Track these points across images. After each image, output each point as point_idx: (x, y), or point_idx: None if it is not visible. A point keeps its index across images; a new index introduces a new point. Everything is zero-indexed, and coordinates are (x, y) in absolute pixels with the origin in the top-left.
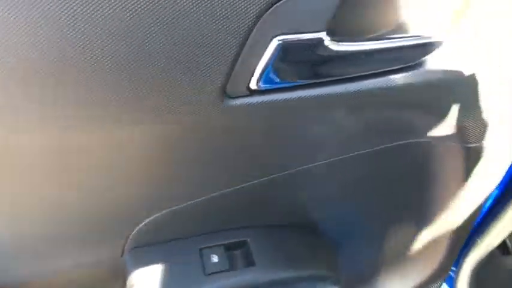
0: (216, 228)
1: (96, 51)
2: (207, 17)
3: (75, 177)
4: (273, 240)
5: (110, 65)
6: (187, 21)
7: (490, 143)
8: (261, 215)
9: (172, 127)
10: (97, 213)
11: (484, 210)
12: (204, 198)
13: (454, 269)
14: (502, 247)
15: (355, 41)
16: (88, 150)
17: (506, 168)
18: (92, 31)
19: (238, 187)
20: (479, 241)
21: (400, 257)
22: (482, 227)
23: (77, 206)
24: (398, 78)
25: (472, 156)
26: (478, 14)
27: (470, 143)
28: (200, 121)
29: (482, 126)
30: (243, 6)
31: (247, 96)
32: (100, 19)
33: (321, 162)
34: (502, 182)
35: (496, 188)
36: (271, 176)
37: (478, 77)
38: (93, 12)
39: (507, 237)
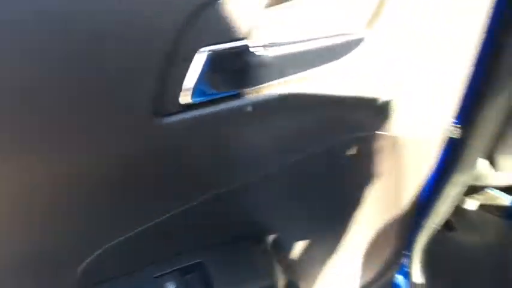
0: (169, 253)
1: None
2: (130, 35)
3: (19, 215)
4: (228, 257)
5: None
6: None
7: (419, 131)
8: (211, 233)
9: (105, 155)
10: (45, 252)
11: (425, 193)
12: (150, 224)
13: (407, 253)
14: (446, 224)
15: (280, 45)
16: (27, 189)
17: (437, 154)
18: None
19: (182, 209)
20: (425, 223)
21: (354, 252)
22: (426, 210)
23: (25, 243)
24: (326, 77)
25: (403, 145)
26: (395, 8)
27: (400, 132)
28: (134, 144)
29: (411, 116)
30: (162, 21)
31: (180, 112)
32: None
33: (264, 171)
34: (438, 164)
35: (434, 171)
36: (215, 193)
37: (401, 71)
38: None
39: (450, 214)
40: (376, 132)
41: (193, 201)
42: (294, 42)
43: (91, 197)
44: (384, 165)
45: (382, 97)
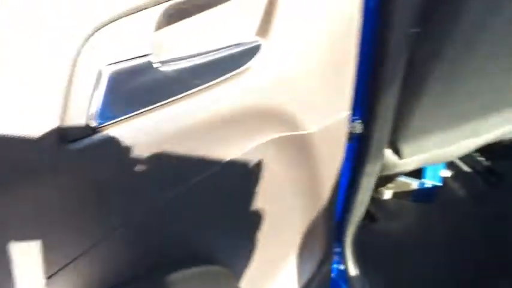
0: (111, 283)
1: None
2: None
3: None
4: (172, 281)
5: None
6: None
7: (322, 128)
8: (146, 257)
9: (18, 187)
10: None
11: (343, 187)
12: (79, 256)
13: (339, 249)
14: (369, 216)
15: (182, 59)
16: None
17: (343, 147)
18: None
19: (106, 237)
20: (349, 217)
21: (287, 255)
22: (347, 204)
23: None
24: (231, 85)
25: (311, 142)
26: (286, 14)
27: (307, 129)
28: (45, 172)
29: (313, 114)
30: (60, 46)
31: (87, 136)
32: None
33: (174, 191)
34: (350, 158)
35: (347, 166)
36: (139, 216)
37: (300, 72)
38: None
39: (370, 206)
40: (283, 133)
41: (114, 229)
42: (194, 56)
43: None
44: (297, 163)
45: (284, 100)
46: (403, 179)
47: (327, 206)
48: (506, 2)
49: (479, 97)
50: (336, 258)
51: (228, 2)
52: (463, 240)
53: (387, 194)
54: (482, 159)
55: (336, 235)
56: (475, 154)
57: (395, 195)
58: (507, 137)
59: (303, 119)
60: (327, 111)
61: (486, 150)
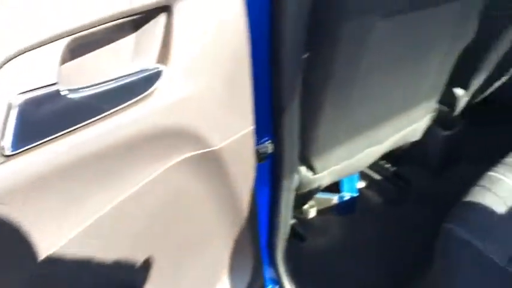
0: None
1: None
2: None
3: None
4: None
5: None
6: None
7: (231, 142)
8: None
9: None
10: None
11: (265, 207)
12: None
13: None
14: (297, 236)
15: (88, 87)
16: None
17: (254, 164)
18: None
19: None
20: (275, 235)
21: (217, 277)
22: (271, 222)
23: None
24: (138, 108)
25: (222, 157)
26: (181, 42)
27: (215, 145)
28: None
29: (220, 130)
30: None
31: (3, 163)
32: None
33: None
34: (267, 175)
35: (266, 185)
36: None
37: (201, 92)
38: None
39: (298, 227)
40: (194, 152)
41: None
42: (99, 84)
43: None
44: (213, 180)
45: (189, 119)
46: (323, 195)
47: (249, 222)
48: (380, 23)
49: (370, 109)
50: (269, 277)
51: (130, 36)
52: (385, 243)
53: (312, 212)
54: (389, 166)
55: (265, 255)
56: (382, 162)
57: (319, 212)
58: (405, 143)
59: (209, 136)
60: (230, 127)
61: (391, 157)
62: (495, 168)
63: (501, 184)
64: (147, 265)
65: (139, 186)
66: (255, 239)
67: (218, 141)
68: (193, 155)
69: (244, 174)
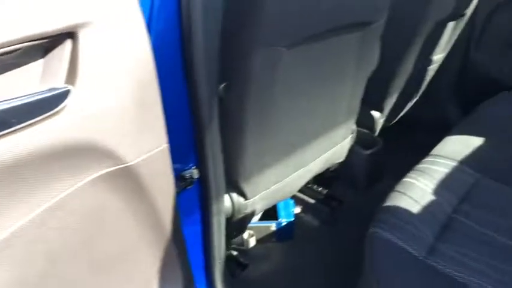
0: None
1: None
2: None
3: None
4: None
5: None
6: None
7: (146, 158)
8: None
9: None
10: None
11: (200, 232)
12: None
13: None
14: (240, 266)
15: None
16: None
17: (171, 181)
18: None
19: None
20: (212, 259)
21: None
22: (206, 248)
23: None
24: (47, 124)
25: (138, 173)
26: (88, 63)
27: (129, 161)
28: None
29: (133, 147)
30: None
31: None
32: None
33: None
34: (197, 199)
35: (197, 210)
36: None
37: (111, 110)
38: None
39: (239, 257)
40: (110, 168)
41: None
42: (8, 100)
43: None
44: (131, 196)
45: (101, 136)
46: (262, 223)
47: (173, 239)
48: (286, 53)
49: (292, 132)
50: None
51: (39, 61)
52: (323, 264)
53: (251, 242)
54: (321, 188)
55: (202, 277)
56: (315, 186)
57: (259, 240)
58: (332, 164)
59: (122, 152)
60: (143, 143)
61: (323, 179)
62: (409, 174)
63: (414, 188)
64: (65, 284)
65: (55, 200)
66: (183, 256)
67: (133, 157)
68: (110, 171)
69: (163, 191)
